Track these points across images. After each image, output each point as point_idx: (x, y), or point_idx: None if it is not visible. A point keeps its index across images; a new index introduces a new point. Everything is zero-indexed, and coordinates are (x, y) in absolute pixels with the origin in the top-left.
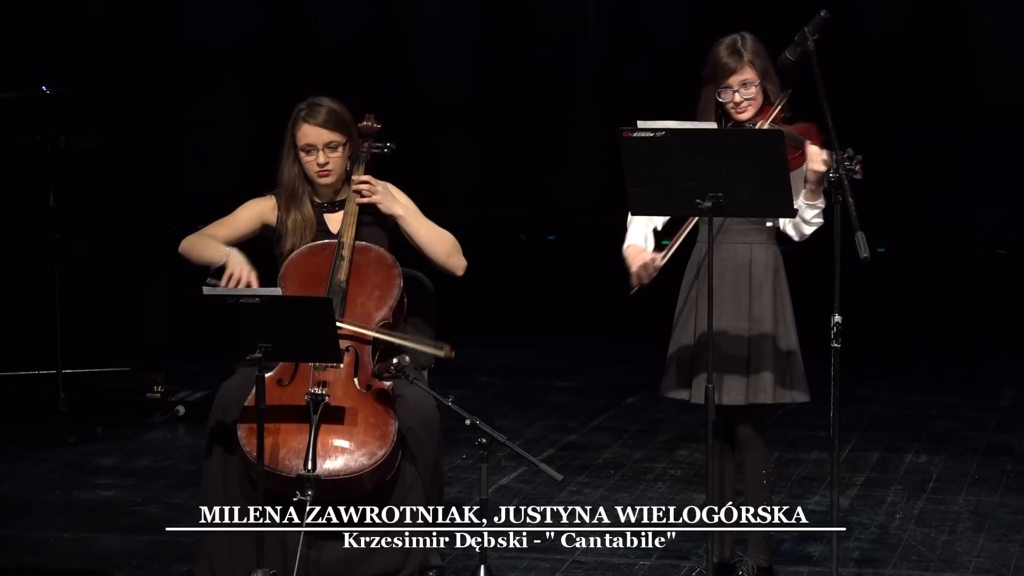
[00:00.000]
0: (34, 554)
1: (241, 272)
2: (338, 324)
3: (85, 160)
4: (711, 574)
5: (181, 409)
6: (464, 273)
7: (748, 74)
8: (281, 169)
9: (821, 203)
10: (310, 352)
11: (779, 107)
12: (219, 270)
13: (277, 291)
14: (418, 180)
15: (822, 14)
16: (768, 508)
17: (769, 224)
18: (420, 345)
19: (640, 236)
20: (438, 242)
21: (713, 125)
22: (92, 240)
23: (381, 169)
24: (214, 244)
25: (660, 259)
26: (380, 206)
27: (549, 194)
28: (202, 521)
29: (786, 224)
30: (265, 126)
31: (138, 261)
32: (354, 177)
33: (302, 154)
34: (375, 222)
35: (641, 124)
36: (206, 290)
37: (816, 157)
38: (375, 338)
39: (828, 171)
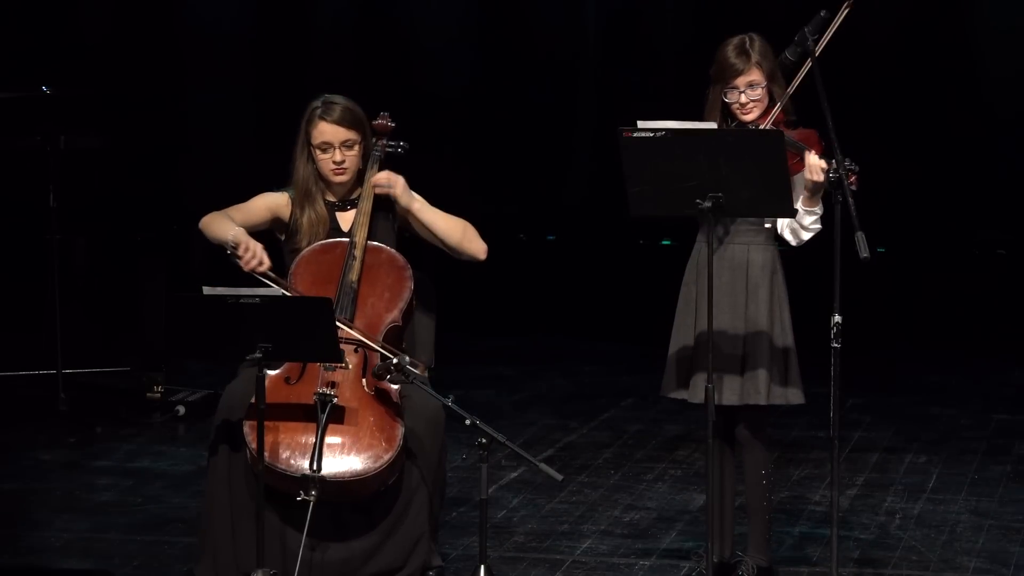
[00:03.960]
0: (34, 554)
1: (255, 248)
2: (353, 332)
3: (85, 160)
4: (711, 574)
5: (181, 409)
6: (486, 256)
7: (755, 76)
8: (295, 167)
9: (819, 209)
10: (310, 352)
11: (780, 110)
12: (235, 250)
13: (277, 291)
14: (418, 180)
15: (822, 14)
16: (767, 508)
17: (767, 225)
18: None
19: None
20: (456, 229)
21: (714, 125)
22: (92, 240)
23: (394, 168)
24: (226, 221)
25: None
26: (399, 199)
27: (549, 194)
28: (205, 520)
29: (783, 228)
30: (265, 125)
31: (138, 261)
32: (368, 176)
33: (318, 152)
34: (386, 222)
35: (641, 124)
36: (206, 290)
37: (814, 168)
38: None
39: (826, 179)
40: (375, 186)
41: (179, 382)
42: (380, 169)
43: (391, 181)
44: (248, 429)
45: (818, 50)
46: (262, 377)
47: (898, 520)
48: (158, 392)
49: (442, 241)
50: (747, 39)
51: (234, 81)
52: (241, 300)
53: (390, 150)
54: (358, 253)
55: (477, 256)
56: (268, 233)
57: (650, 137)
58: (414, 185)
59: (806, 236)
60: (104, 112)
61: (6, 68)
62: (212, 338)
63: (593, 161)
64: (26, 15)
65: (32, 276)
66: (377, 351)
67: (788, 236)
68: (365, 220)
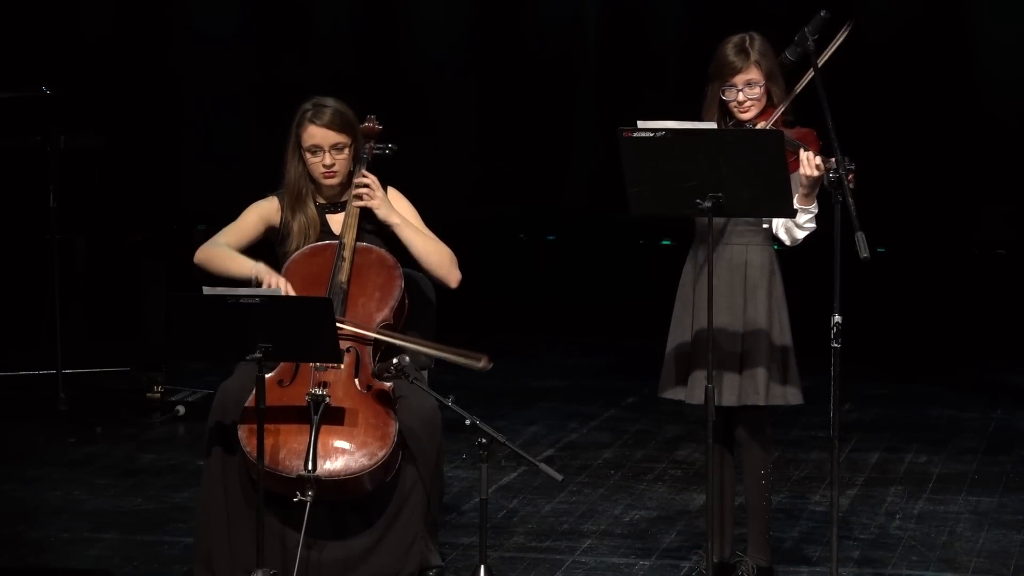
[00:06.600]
0: (34, 554)
1: (279, 283)
2: (345, 326)
3: (85, 160)
4: (711, 574)
5: (181, 409)
6: (458, 286)
7: (753, 74)
8: (286, 169)
9: (814, 208)
10: (310, 352)
11: (781, 110)
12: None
13: (277, 291)
14: (418, 180)
15: (822, 14)
16: (767, 508)
17: (766, 226)
18: (454, 356)
19: None
20: (433, 254)
21: (713, 125)
22: (92, 240)
23: (382, 170)
24: (235, 256)
25: None
26: (377, 212)
27: (549, 194)
28: (202, 521)
29: (778, 228)
30: (264, 126)
31: (138, 261)
32: (356, 179)
33: (307, 155)
34: (376, 224)
35: (641, 124)
36: (206, 290)
37: (809, 163)
38: (377, 339)
39: (822, 177)
40: (354, 198)
41: (179, 382)
42: (368, 171)
43: (370, 194)
44: (244, 433)
45: (821, 60)
46: (262, 377)
47: (898, 520)
48: (158, 392)
49: (418, 261)
50: (747, 37)
51: (233, 81)
52: (241, 300)
53: (377, 152)
54: (347, 254)
55: (448, 284)
56: (261, 240)
57: (650, 137)
58: (411, 186)
59: (800, 235)
60: (104, 112)
61: (6, 68)
62: (212, 338)
63: (593, 161)
64: (26, 15)
65: (32, 276)
66: (382, 340)
67: (783, 235)
68: (353, 222)
